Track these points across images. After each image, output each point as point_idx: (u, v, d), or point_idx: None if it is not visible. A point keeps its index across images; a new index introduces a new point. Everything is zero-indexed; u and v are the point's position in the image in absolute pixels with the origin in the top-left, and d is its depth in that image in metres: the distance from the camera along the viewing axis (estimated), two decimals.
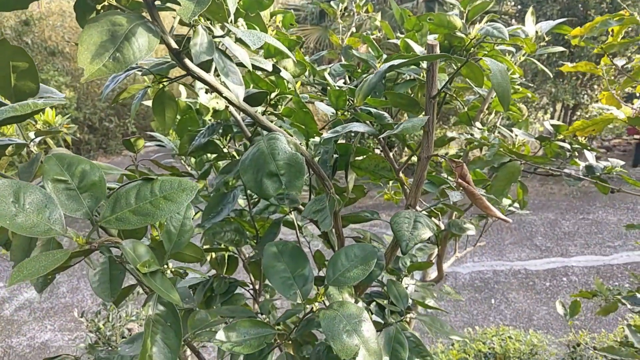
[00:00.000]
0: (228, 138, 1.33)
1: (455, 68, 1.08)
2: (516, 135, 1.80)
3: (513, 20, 9.63)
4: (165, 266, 0.70)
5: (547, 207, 8.74)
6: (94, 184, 0.63)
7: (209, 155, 1.55)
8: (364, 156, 0.99)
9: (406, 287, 1.24)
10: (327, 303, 0.87)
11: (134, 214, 0.60)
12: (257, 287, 1.36)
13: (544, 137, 1.66)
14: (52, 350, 5.61)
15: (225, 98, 0.79)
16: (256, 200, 1.42)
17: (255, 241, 1.35)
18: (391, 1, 1.84)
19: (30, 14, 10.91)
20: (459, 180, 0.87)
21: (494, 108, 1.65)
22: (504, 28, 1.21)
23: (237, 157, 1.35)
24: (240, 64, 0.74)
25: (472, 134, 1.34)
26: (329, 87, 1.08)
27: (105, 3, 0.65)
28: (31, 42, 10.87)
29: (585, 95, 9.34)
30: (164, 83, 0.87)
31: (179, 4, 0.65)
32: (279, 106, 1.23)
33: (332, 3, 2.05)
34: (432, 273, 1.92)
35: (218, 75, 0.87)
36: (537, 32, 1.73)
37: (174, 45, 0.72)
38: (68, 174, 0.63)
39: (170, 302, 0.73)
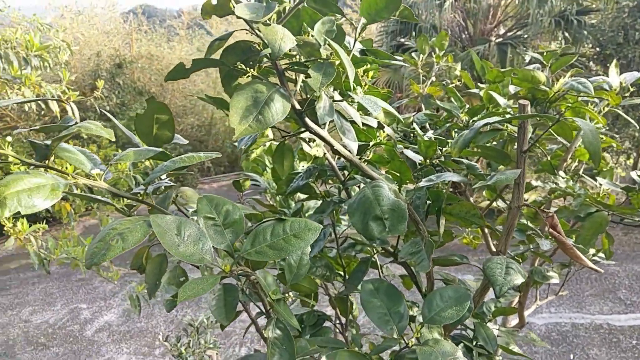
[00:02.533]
0: (320, 181, 1.45)
1: (543, 123, 1.14)
2: (600, 185, 1.79)
3: (591, 63, 9.35)
4: (287, 295, 0.80)
5: (632, 257, 8.15)
6: (235, 222, 0.76)
7: (298, 195, 1.68)
8: (455, 203, 1.06)
9: None
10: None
11: (270, 248, 0.72)
12: (343, 321, 1.44)
13: (630, 187, 1.64)
14: None
15: (336, 150, 0.90)
16: (342, 239, 1.51)
17: (342, 278, 1.44)
18: (472, 53, 1.93)
19: (123, 58, 12.01)
20: (551, 231, 0.92)
21: (577, 157, 1.67)
22: (588, 83, 1.26)
23: (327, 199, 1.46)
24: (352, 121, 0.85)
25: (556, 183, 1.37)
26: (418, 137, 1.17)
27: (249, 74, 0.79)
28: (122, 83, 11.92)
29: None
30: (285, 137, 1.01)
31: (306, 74, 0.78)
32: (368, 152, 1.34)
33: (413, 54, 2.18)
34: (513, 320, 1.91)
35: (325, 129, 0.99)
36: (621, 83, 1.74)
37: (298, 106, 0.85)
38: (216, 213, 0.76)
39: (286, 327, 0.84)
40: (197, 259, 0.70)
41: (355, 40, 0.91)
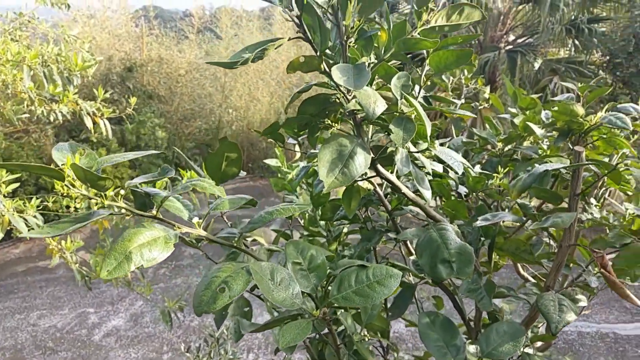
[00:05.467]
0: (364, 209, 1.51)
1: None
2: (626, 209, 1.84)
3: (600, 71, 9.40)
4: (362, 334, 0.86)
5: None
6: (319, 266, 0.81)
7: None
8: (505, 238, 1.12)
9: None
10: None
11: (356, 294, 0.77)
12: (384, 345, 1.50)
13: None
14: None
15: (402, 193, 0.96)
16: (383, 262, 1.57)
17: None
18: (505, 79, 1.98)
19: (133, 62, 12.07)
20: (602, 271, 0.98)
21: (608, 185, 1.72)
22: (626, 118, 1.31)
23: (367, 224, 1.52)
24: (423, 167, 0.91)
25: (591, 213, 1.43)
26: (467, 172, 1.23)
27: (334, 129, 0.85)
28: (132, 87, 11.96)
29: None
30: (356, 180, 1.07)
31: (383, 126, 0.83)
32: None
33: (443, 77, 2.23)
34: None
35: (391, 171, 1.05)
36: None
37: (372, 155, 0.90)
38: (301, 257, 0.82)
39: None
40: (289, 303, 0.75)
41: (421, 89, 0.97)
